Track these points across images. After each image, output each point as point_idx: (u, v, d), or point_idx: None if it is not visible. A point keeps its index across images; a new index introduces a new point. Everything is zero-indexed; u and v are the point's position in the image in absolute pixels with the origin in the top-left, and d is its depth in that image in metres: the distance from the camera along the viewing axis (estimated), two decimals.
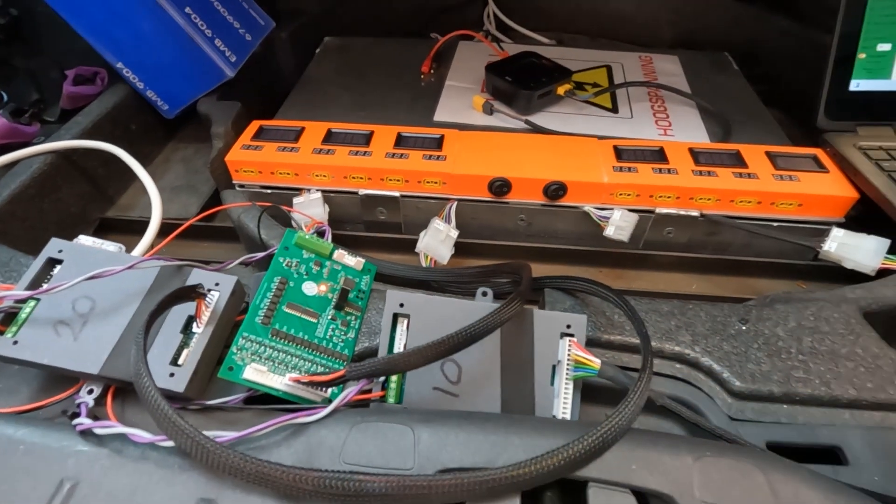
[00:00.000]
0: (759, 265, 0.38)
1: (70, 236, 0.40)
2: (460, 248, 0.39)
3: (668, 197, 0.36)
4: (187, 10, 0.40)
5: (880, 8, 0.36)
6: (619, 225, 0.36)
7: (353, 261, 0.28)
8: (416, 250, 0.37)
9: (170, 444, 0.17)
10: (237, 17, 0.45)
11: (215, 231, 0.42)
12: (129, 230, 0.42)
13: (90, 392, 0.23)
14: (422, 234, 0.37)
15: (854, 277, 0.34)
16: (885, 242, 0.30)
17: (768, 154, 0.38)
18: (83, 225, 0.41)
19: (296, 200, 0.38)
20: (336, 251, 0.28)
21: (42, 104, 0.46)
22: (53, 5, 0.40)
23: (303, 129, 0.41)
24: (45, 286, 0.23)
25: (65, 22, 0.41)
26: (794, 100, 0.52)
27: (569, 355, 0.22)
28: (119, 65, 0.43)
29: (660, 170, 0.37)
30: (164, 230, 0.34)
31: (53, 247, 0.25)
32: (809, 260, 0.38)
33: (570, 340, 0.23)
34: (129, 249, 0.39)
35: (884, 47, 0.37)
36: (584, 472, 0.17)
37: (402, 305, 0.24)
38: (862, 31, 0.37)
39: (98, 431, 0.19)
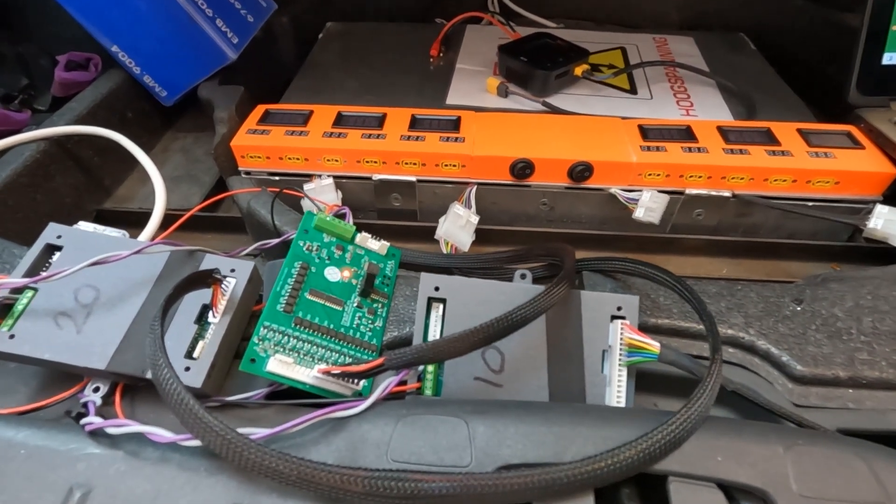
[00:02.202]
0: (791, 247, 0.36)
1: None
2: (479, 235, 0.37)
3: (699, 177, 0.35)
4: None
5: None
6: (649, 206, 0.34)
7: (376, 245, 0.26)
8: (436, 237, 0.35)
9: (194, 443, 0.15)
10: None
11: (219, 222, 0.39)
12: (127, 222, 0.40)
13: (96, 390, 0.21)
14: (441, 219, 0.35)
15: (887, 258, 0.33)
16: None
17: (800, 131, 0.36)
18: (79, 216, 0.39)
19: (306, 187, 0.36)
20: (358, 234, 0.26)
21: (32, 90, 0.43)
22: None
23: (311, 112, 0.39)
24: (43, 273, 0.21)
25: (54, 5, 0.39)
26: (809, 80, 0.50)
27: (622, 339, 0.20)
28: (114, 48, 0.41)
29: (689, 149, 0.35)
30: (166, 222, 0.32)
31: (51, 232, 0.23)
32: (843, 241, 0.36)
33: (622, 323, 0.21)
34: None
35: None
36: (663, 466, 0.15)
37: (437, 289, 0.22)
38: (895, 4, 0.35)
39: (110, 431, 0.17)
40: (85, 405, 0.19)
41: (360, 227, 0.37)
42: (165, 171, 0.45)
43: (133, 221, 0.40)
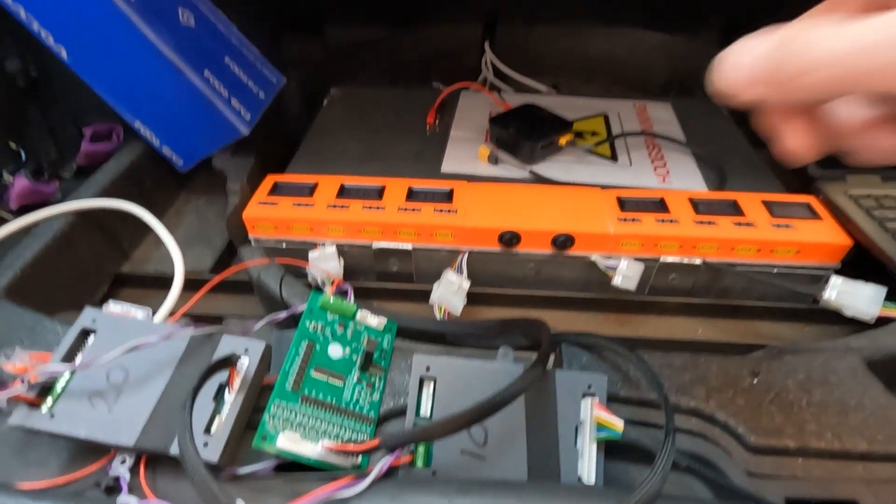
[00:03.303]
0: (762, 309, 0.39)
1: (86, 293, 0.41)
2: (471, 298, 0.40)
3: (672, 246, 0.38)
4: (206, 73, 0.42)
5: None
6: (626, 274, 0.37)
7: (375, 321, 0.29)
8: (430, 302, 0.38)
9: None
10: (251, 76, 0.47)
11: (228, 284, 0.42)
12: (144, 285, 0.43)
13: (123, 462, 0.23)
14: (435, 285, 0.38)
15: (852, 321, 0.36)
16: (882, 290, 0.32)
17: (764, 202, 0.40)
18: (99, 280, 0.42)
19: (311, 254, 0.39)
20: (359, 312, 0.29)
21: (60, 162, 0.47)
22: (77, 70, 0.41)
23: (316, 184, 0.42)
24: (80, 357, 0.24)
25: (79, 80, 0.43)
26: None
27: (591, 416, 0.23)
28: (137, 123, 0.45)
29: (662, 220, 0.38)
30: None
31: (87, 317, 0.26)
32: (809, 304, 0.39)
33: (592, 401, 0.23)
34: (147, 302, 0.40)
35: None
36: None
37: (428, 369, 0.25)
38: None
39: None
40: (117, 479, 0.22)
41: (360, 290, 0.41)
42: (179, 233, 0.48)
43: (150, 284, 0.43)
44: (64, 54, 0.41)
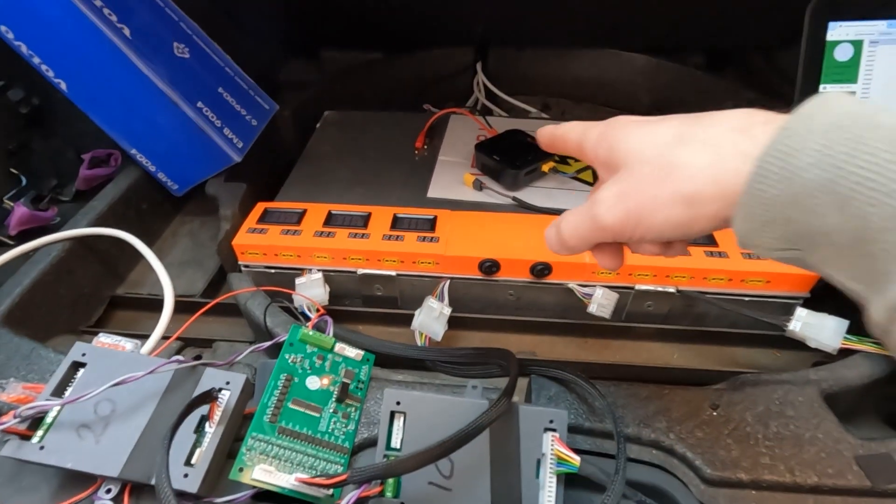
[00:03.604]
0: (736, 335, 0.40)
1: (82, 316, 0.42)
2: (453, 322, 0.41)
3: (646, 275, 0.39)
4: (199, 104, 0.44)
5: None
6: (601, 303, 0.38)
7: (353, 352, 0.30)
8: (412, 328, 0.39)
9: None
10: (244, 104, 0.49)
11: (218, 307, 0.43)
12: (137, 307, 0.45)
13: (108, 492, 0.25)
14: (417, 312, 0.39)
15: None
16: (844, 323, 0.33)
17: None
18: (95, 303, 0.44)
19: (298, 281, 0.41)
20: (337, 344, 0.30)
21: (59, 188, 0.49)
22: (76, 102, 0.43)
23: (304, 211, 0.44)
24: (70, 390, 0.25)
25: (78, 108, 0.44)
26: None
27: (552, 450, 0.24)
28: (133, 151, 0.47)
29: None
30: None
31: (77, 351, 0.27)
32: (780, 331, 0.40)
33: (552, 436, 0.25)
34: (142, 324, 0.42)
35: None
36: None
37: (398, 403, 0.26)
38: None
39: None
40: None
41: (345, 314, 0.42)
42: (173, 256, 0.50)
43: (144, 306, 0.45)
44: (64, 87, 0.43)
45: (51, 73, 0.42)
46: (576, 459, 0.23)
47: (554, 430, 0.25)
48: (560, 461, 0.24)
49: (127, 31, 0.40)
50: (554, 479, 0.24)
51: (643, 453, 0.27)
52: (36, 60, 0.41)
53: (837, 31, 0.39)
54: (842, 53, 0.39)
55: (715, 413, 0.28)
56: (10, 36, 0.40)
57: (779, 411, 0.28)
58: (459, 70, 0.76)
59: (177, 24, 0.46)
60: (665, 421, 0.28)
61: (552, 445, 0.24)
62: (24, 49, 0.41)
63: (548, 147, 0.27)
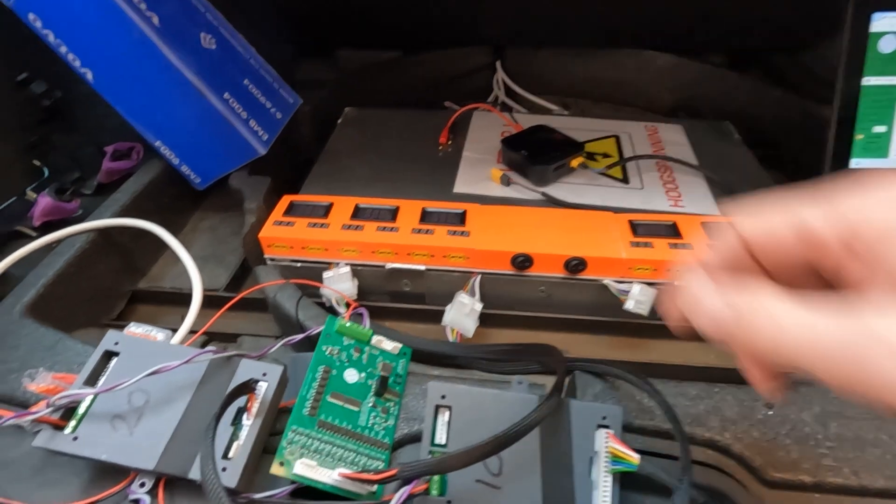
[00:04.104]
0: None
1: (103, 309, 0.42)
2: (482, 319, 0.40)
3: None
4: (226, 95, 0.43)
5: (873, 94, 0.39)
6: (638, 299, 0.37)
7: (390, 346, 0.29)
8: (443, 324, 0.38)
9: None
10: (269, 97, 0.48)
11: (244, 302, 0.43)
12: (159, 301, 0.44)
13: (142, 485, 0.24)
14: (447, 307, 0.38)
15: None
16: None
17: None
18: (116, 298, 0.43)
19: (325, 275, 0.40)
20: (374, 336, 0.29)
21: (81, 180, 0.48)
22: (101, 91, 0.43)
23: (332, 204, 0.43)
24: (103, 380, 0.25)
25: (101, 101, 0.44)
26: (794, 166, 0.55)
27: (606, 448, 0.23)
28: (157, 143, 0.46)
29: (675, 244, 0.38)
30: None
31: (110, 339, 0.26)
32: None
33: (606, 433, 0.23)
34: (164, 319, 0.41)
35: (879, 129, 0.40)
36: None
37: (443, 397, 0.25)
38: (857, 115, 0.39)
39: None
40: (136, 502, 0.22)
41: (372, 310, 0.41)
42: (194, 251, 0.49)
43: (166, 300, 0.44)
44: (90, 76, 0.42)
45: (77, 63, 0.41)
46: (635, 458, 0.22)
47: (608, 426, 0.24)
48: (616, 459, 0.23)
49: (156, 20, 0.40)
50: (609, 479, 0.23)
51: (696, 453, 0.26)
52: (63, 49, 0.41)
53: (882, 21, 0.38)
54: (886, 45, 0.38)
55: (770, 413, 0.27)
56: (39, 24, 0.40)
57: (837, 412, 0.27)
58: (476, 69, 0.75)
59: (203, 15, 0.46)
60: (718, 420, 0.27)
61: (607, 443, 0.23)
62: (51, 38, 0.40)
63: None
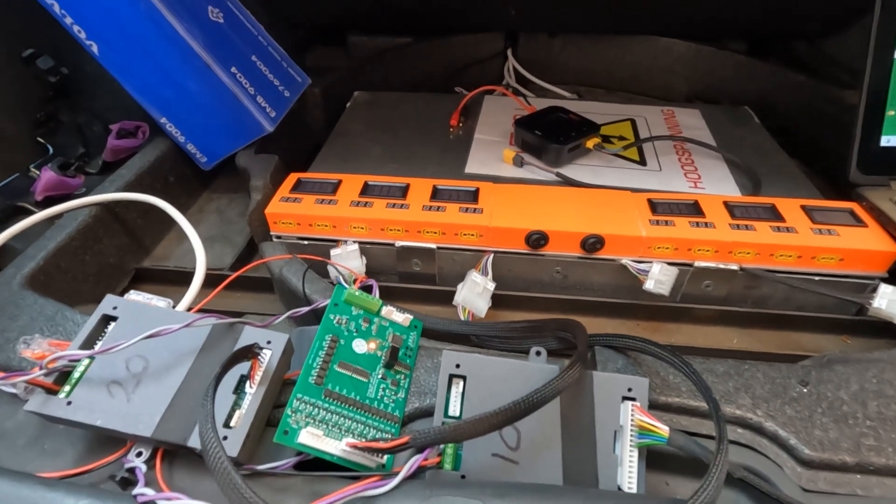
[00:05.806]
0: (801, 319, 0.37)
1: (106, 287, 0.40)
2: (495, 300, 0.38)
3: (707, 251, 0.36)
4: (233, 69, 0.42)
5: None
6: (658, 279, 0.36)
7: (400, 317, 0.28)
8: (455, 303, 0.37)
9: None
10: (277, 74, 0.47)
11: (250, 281, 0.42)
12: (164, 280, 0.43)
13: (139, 454, 0.23)
14: (459, 286, 0.37)
15: (892, 335, 0.34)
16: None
17: (804, 208, 0.38)
18: (120, 275, 0.42)
19: (333, 252, 0.39)
20: (384, 307, 0.28)
21: (86, 156, 0.47)
22: (107, 65, 0.42)
23: (340, 181, 0.42)
24: (99, 344, 0.23)
25: (108, 79, 0.43)
26: (814, 152, 0.53)
27: (632, 421, 0.22)
28: (163, 120, 0.45)
29: (696, 223, 0.37)
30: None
31: (108, 304, 0.25)
32: (852, 314, 0.37)
33: (632, 405, 0.22)
34: (167, 297, 0.40)
35: None
36: None
37: (458, 366, 0.23)
38: (889, 91, 0.38)
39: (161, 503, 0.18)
40: (132, 471, 0.21)
41: (381, 290, 0.40)
42: (201, 231, 0.47)
43: (170, 280, 0.43)
44: (95, 50, 0.41)
45: (83, 35, 0.41)
46: (664, 430, 0.21)
47: (633, 398, 0.22)
48: (643, 432, 0.21)
49: None
50: (636, 453, 0.21)
51: (728, 432, 0.24)
52: (68, 21, 0.40)
53: None
54: None
55: (805, 390, 0.25)
56: None
57: (877, 390, 0.25)
58: (488, 56, 0.74)
59: None
60: (749, 397, 0.25)
61: (633, 415, 0.21)
62: (56, 9, 0.40)
63: None
